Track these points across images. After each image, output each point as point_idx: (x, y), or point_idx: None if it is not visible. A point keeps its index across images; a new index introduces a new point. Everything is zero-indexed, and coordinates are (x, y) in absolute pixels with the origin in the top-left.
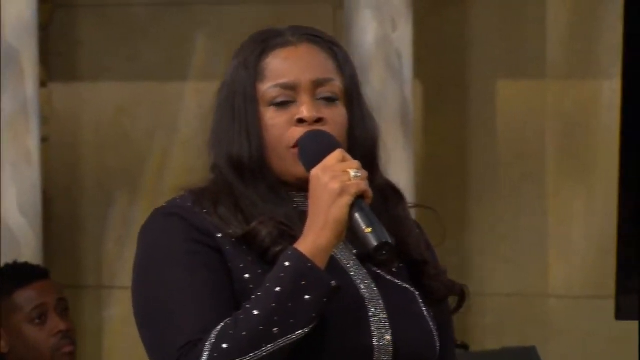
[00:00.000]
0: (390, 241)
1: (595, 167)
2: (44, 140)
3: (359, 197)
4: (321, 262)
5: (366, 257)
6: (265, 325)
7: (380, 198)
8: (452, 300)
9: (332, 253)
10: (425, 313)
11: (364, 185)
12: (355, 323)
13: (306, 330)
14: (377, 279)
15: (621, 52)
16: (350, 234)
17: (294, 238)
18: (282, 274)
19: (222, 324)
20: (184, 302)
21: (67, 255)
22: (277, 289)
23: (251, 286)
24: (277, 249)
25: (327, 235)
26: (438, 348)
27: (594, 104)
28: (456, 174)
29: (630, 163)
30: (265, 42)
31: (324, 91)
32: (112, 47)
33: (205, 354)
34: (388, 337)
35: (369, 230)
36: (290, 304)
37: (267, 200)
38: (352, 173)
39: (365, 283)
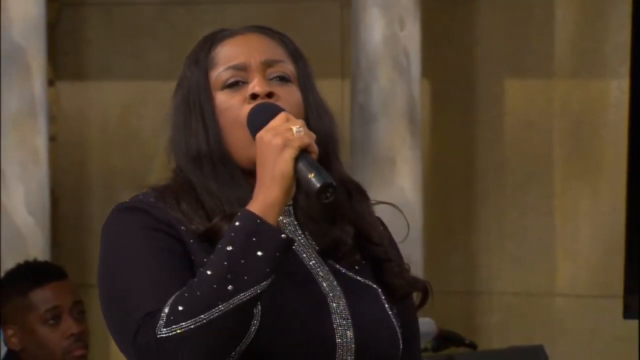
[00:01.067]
0: (333, 182)
1: (602, 167)
2: (52, 139)
3: (303, 150)
4: (272, 219)
5: (328, 253)
6: (219, 284)
7: (345, 192)
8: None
9: (294, 248)
10: (388, 310)
11: (307, 139)
12: (317, 320)
13: (262, 285)
14: (338, 275)
15: (629, 52)
16: (312, 224)
17: None
18: (233, 234)
19: (179, 291)
20: (143, 280)
21: (74, 254)
22: (229, 247)
23: None
24: None
25: (275, 191)
26: (401, 345)
27: (601, 104)
28: (463, 173)
29: (638, 162)
30: (214, 36)
31: (274, 71)
32: (119, 46)
33: (163, 318)
34: (350, 334)
35: (311, 175)
36: (242, 261)
37: (225, 187)
38: (295, 129)
39: (328, 280)
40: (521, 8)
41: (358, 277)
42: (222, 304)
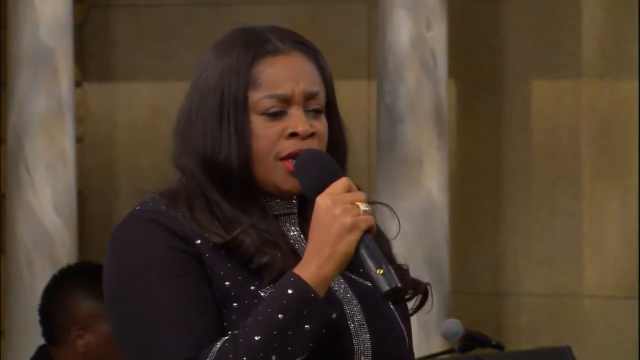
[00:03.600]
0: (400, 286)
1: (630, 168)
2: (79, 140)
3: (366, 231)
4: (322, 292)
5: None
6: (265, 352)
7: None
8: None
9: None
10: (396, 313)
11: (372, 220)
12: (335, 327)
13: (302, 358)
14: (350, 282)
15: None
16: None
17: (276, 246)
18: (285, 301)
19: (219, 345)
20: (172, 317)
21: (101, 255)
22: (280, 316)
23: (232, 294)
24: (264, 259)
25: (332, 267)
26: (409, 349)
27: (629, 104)
28: (490, 174)
29: None
30: (254, 48)
31: (313, 103)
32: (147, 47)
33: None
34: (367, 340)
35: (379, 272)
36: (290, 332)
37: (242, 207)
38: (362, 207)
39: (341, 286)
40: (548, 8)
41: (367, 283)
42: None
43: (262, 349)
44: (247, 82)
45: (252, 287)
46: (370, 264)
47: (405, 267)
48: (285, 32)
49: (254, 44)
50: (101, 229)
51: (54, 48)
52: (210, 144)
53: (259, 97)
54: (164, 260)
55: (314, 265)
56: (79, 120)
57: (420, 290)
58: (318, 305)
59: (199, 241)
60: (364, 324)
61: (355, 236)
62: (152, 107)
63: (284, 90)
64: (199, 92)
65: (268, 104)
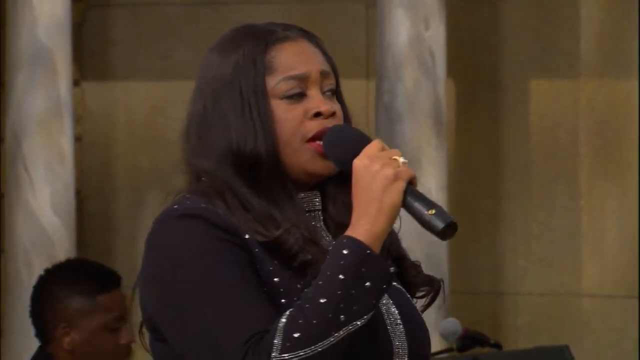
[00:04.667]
0: (454, 220)
1: (628, 167)
2: (77, 139)
3: (409, 183)
4: (377, 249)
5: None
6: (333, 314)
7: None
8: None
9: None
10: (418, 310)
11: (412, 171)
12: (374, 326)
13: (368, 316)
14: None
15: None
16: (341, 232)
17: (316, 244)
18: (342, 262)
19: (287, 314)
20: (234, 299)
21: (100, 255)
22: (340, 276)
23: (281, 290)
24: (307, 257)
25: (382, 222)
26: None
27: (627, 103)
28: (489, 174)
29: None
30: (264, 37)
31: (327, 84)
32: (146, 46)
33: (278, 344)
34: (404, 338)
35: (432, 212)
36: (353, 291)
37: (273, 201)
38: (401, 160)
39: None
40: (547, 8)
41: (397, 285)
42: (335, 333)
43: (329, 310)
44: (264, 69)
45: (299, 285)
46: (420, 207)
47: (418, 264)
48: (287, 24)
49: (263, 34)
50: (100, 229)
51: (52, 47)
52: (235, 137)
53: (277, 81)
54: (215, 249)
55: (365, 224)
56: (78, 119)
57: (435, 286)
58: (375, 262)
59: (247, 236)
60: (400, 324)
61: (399, 186)
62: (150, 106)
63: (300, 70)
64: (211, 91)
65: (287, 86)
